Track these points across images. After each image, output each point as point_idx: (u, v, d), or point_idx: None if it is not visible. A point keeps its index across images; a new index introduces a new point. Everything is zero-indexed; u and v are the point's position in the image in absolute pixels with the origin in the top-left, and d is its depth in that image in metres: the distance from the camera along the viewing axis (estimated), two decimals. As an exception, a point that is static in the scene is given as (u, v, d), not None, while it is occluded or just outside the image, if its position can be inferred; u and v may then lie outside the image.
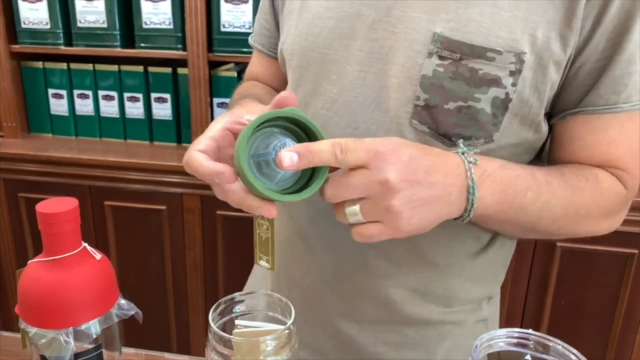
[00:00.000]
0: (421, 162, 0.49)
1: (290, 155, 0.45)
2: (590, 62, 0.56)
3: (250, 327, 0.45)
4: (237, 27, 1.51)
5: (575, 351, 0.39)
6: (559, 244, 1.43)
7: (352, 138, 0.48)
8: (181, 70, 1.61)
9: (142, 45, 1.59)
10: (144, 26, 1.57)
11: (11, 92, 1.66)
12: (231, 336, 0.42)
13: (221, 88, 1.59)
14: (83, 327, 0.45)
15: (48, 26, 1.61)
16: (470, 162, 0.52)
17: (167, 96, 1.64)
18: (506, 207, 0.55)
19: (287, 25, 0.67)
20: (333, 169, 0.49)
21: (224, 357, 0.42)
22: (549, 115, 0.61)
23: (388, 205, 0.47)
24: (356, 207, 0.48)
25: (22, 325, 0.46)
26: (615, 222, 0.65)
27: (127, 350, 0.70)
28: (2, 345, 0.72)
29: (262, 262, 0.51)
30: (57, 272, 0.45)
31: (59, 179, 1.60)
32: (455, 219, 0.54)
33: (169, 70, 1.62)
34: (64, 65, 1.67)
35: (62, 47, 1.63)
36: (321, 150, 0.46)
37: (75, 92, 1.69)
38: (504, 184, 0.54)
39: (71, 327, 0.45)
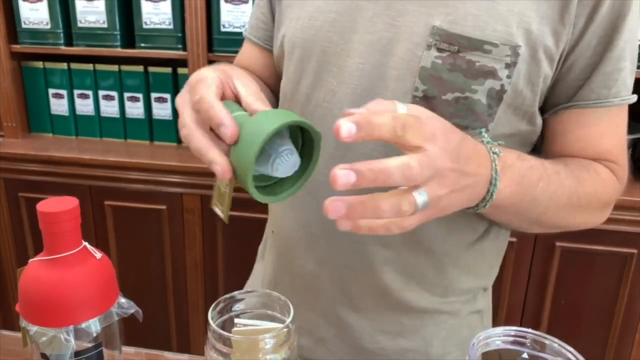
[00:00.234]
0: (462, 150, 0.47)
1: (349, 126, 0.41)
2: (583, 59, 0.59)
3: (249, 325, 0.45)
4: (237, 27, 1.51)
5: (570, 349, 0.40)
6: (558, 243, 1.44)
7: (409, 114, 0.44)
8: (181, 70, 1.61)
9: (143, 45, 1.60)
10: (144, 26, 1.58)
11: (12, 92, 1.67)
12: (230, 334, 0.42)
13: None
14: (83, 325, 0.46)
15: (48, 26, 1.62)
16: (494, 152, 0.52)
17: (167, 96, 1.65)
18: (520, 199, 0.56)
19: (287, 19, 0.68)
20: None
21: (224, 356, 0.42)
22: (542, 110, 0.63)
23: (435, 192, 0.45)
24: (424, 194, 0.44)
25: (23, 323, 0.46)
26: (606, 213, 0.68)
27: (127, 349, 0.71)
28: (2, 344, 0.73)
29: (217, 209, 0.52)
30: (57, 271, 0.45)
31: (59, 179, 1.60)
32: (468, 208, 0.54)
33: (169, 70, 1.62)
34: (64, 65, 1.67)
35: (63, 47, 1.63)
36: (381, 124, 0.41)
37: (76, 92, 1.70)
38: (520, 175, 0.55)
39: (71, 326, 0.45)
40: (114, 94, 1.67)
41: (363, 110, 0.45)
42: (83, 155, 1.58)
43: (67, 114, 1.72)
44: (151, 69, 1.63)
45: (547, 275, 1.48)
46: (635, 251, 1.41)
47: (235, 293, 0.48)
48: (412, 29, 0.58)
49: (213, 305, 0.45)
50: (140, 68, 1.64)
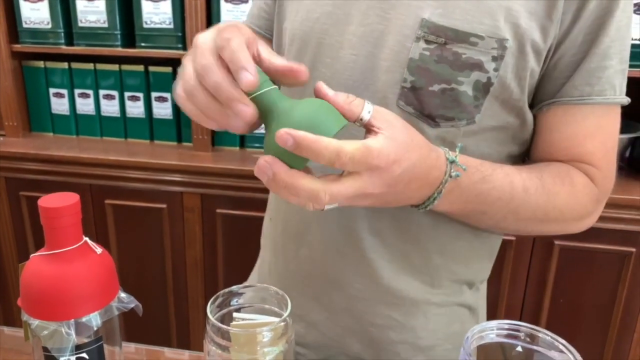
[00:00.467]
0: (408, 175, 0.50)
1: (290, 142, 0.44)
2: (568, 55, 0.59)
3: (248, 319, 0.46)
4: (237, 26, 1.52)
5: (562, 340, 0.40)
6: (556, 242, 1.44)
7: (362, 147, 0.46)
8: (182, 70, 1.62)
9: (143, 44, 1.60)
10: (145, 26, 1.58)
11: (12, 91, 1.67)
12: (229, 327, 0.43)
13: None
14: (84, 319, 0.46)
15: (49, 26, 1.62)
16: (451, 176, 0.55)
17: (168, 95, 1.65)
18: (467, 211, 0.61)
19: (289, 11, 0.70)
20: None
21: (222, 349, 0.43)
22: (531, 106, 0.64)
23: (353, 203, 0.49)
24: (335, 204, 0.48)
25: (25, 317, 0.47)
26: (589, 221, 0.68)
27: (127, 346, 0.71)
28: (3, 341, 0.73)
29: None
30: (58, 266, 0.46)
31: (60, 178, 1.61)
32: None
33: (169, 69, 1.63)
34: (65, 65, 1.68)
35: (63, 47, 1.64)
36: (321, 156, 0.44)
37: (76, 91, 1.70)
38: (473, 195, 0.58)
39: (72, 320, 0.46)
40: (115, 93, 1.68)
41: (332, 93, 0.48)
42: (84, 154, 1.58)
43: (67, 113, 1.72)
44: (151, 68, 1.64)
45: (546, 273, 1.48)
46: (633, 250, 1.41)
47: (234, 287, 0.48)
48: (402, 21, 0.59)
49: (212, 299, 0.46)
50: (140, 67, 1.64)
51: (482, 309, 0.79)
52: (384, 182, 0.48)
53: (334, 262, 0.70)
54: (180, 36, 1.56)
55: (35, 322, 0.46)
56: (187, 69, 0.50)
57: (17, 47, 1.65)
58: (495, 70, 0.58)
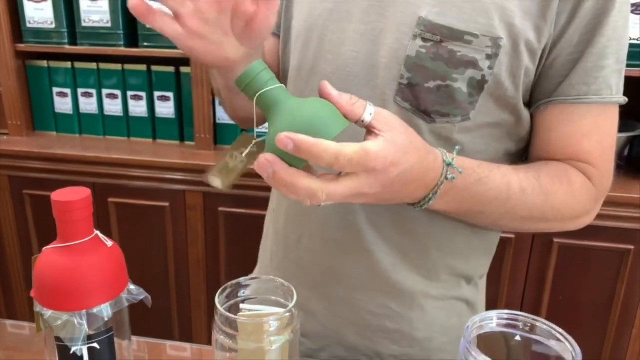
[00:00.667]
0: (404, 177, 0.51)
1: (290, 145, 0.45)
2: (565, 55, 0.60)
3: (254, 310, 0.47)
4: (239, 26, 1.53)
5: (559, 329, 0.42)
6: (556, 240, 1.45)
7: (361, 150, 0.47)
8: (184, 69, 1.63)
9: (146, 44, 1.62)
10: (148, 26, 1.59)
11: (16, 90, 1.69)
12: (237, 317, 0.44)
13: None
14: (95, 310, 0.48)
15: (53, 26, 1.64)
16: (447, 178, 0.56)
17: (170, 95, 1.67)
18: (463, 211, 0.62)
19: (295, 10, 0.72)
20: None
21: (230, 338, 0.44)
22: (529, 106, 0.65)
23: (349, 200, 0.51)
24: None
25: (38, 308, 0.48)
26: (587, 219, 0.69)
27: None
28: (7, 338, 0.74)
29: (213, 180, 0.52)
30: (70, 258, 0.47)
31: (63, 176, 1.62)
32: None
33: (172, 69, 1.64)
34: (68, 64, 1.69)
35: (67, 47, 1.65)
36: (320, 158, 0.46)
37: (80, 90, 1.72)
38: (470, 196, 0.59)
39: (84, 310, 0.47)
40: (118, 92, 1.69)
41: (336, 93, 0.50)
42: (87, 153, 1.60)
43: (71, 112, 1.74)
44: (154, 68, 1.65)
45: (545, 271, 1.49)
46: (632, 247, 1.42)
47: (241, 279, 0.50)
48: (401, 19, 0.61)
49: (220, 290, 0.47)
50: (143, 67, 1.65)
51: (481, 303, 0.81)
52: (380, 183, 0.50)
53: (333, 254, 0.71)
54: (183, 36, 1.57)
55: (48, 313, 0.47)
56: None
57: (21, 46, 1.66)
58: (490, 68, 0.59)
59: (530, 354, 0.44)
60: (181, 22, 0.55)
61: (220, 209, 1.57)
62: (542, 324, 0.43)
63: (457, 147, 0.59)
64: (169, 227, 1.62)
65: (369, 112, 0.50)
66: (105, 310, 0.48)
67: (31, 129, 1.78)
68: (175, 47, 1.74)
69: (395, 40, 0.61)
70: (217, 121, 1.65)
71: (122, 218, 1.63)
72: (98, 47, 1.64)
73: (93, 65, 1.68)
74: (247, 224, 1.57)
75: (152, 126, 1.71)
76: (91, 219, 0.49)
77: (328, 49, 0.66)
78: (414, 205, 0.59)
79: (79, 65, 1.69)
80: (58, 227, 0.48)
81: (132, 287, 0.52)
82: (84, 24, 1.63)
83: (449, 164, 0.56)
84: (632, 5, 1.36)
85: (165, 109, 1.68)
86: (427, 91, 0.61)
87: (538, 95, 0.64)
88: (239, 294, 0.49)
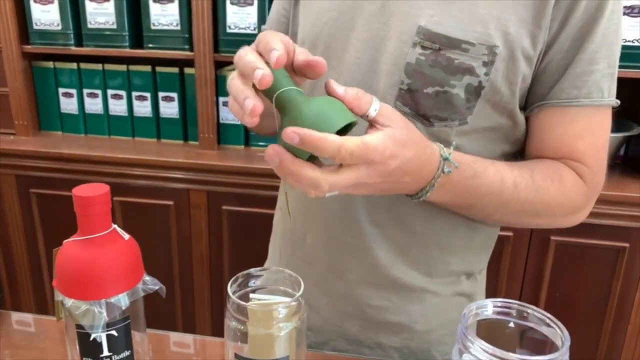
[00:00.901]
0: (402, 169, 0.54)
1: (296, 139, 0.48)
2: (556, 60, 0.63)
3: (263, 299, 0.50)
4: (242, 28, 1.56)
5: (549, 315, 0.44)
6: (553, 237, 1.48)
7: (361, 144, 0.50)
8: (188, 70, 1.66)
9: (150, 45, 1.64)
10: (152, 27, 1.62)
11: (23, 91, 1.71)
12: (248, 304, 0.47)
13: (226, 87, 1.64)
14: (113, 299, 0.51)
15: (59, 27, 1.66)
16: (444, 172, 0.59)
17: (174, 95, 1.69)
18: (458, 203, 0.65)
19: (302, 16, 0.75)
20: None
21: (242, 324, 0.47)
22: (524, 109, 0.68)
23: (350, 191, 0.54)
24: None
25: (60, 297, 0.51)
26: (579, 216, 0.71)
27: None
28: (12, 331, 0.76)
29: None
30: (90, 250, 0.50)
31: (69, 175, 1.64)
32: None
33: (176, 70, 1.67)
34: (74, 65, 1.72)
35: (73, 48, 1.68)
36: (324, 150, 0.48)
37: (85, 91, 1.74)
38: (464, 190, 0.62)
39: (103, 299, 0.50)
40: (122, 93, 1.72)
41: (342, 90, 0.52)
42: (92, 152, 1.62)
43: (76, 112, 1.76)
44: (159, 68, 1.68)
45: (543, 268, 1.51)
46: (627, 245, 1.45)
47: (252, 270, 0.53)
48: (402, 28, 0.64)
49: (232, 279, 0.50)
50: (148, 68, 1.68)
51: (481, 295, 0.83)
52: (378, 174, 0.52)
53: (335, 251, 0.74)
54: (187, 37, 1.60)
55: (69, 302, 0.50)
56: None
57: (28, 47, 1.69)
58: (486, 74, 0.62)
59: (523, 339, 0.47)
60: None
61: (224, 207, 1.60)
62: (534, 311, 0.46)
63: (453, 143, 0.62)
64: (173, 225, 1.64)
65: (374, 108, 0.52)
66: (122, 300, 0.51)
67: (37, 128, 1.80)
68: (179, 49, 1.77)
69: (396, 48, 0.64)
70: (221, 121, 1.67)
71: (127, 216, 1.66)
72: (103, 48, 1.66)
73: (98, 66, 1.71)
74: (250, 222, 1.59)
75: (157, 126, 1.74)
76: (109, 214, 0.52)
77: (333, 55, 0.68)
78: (411, 196, 0.62)
79: (84, 66, 1.72)
80: (78, 221, 0.51)
81: (147, 278, 0.54)
82: (89, 26, 1.65)
83: (445, 159, 0.59)
84: (627, 7, 1.38)
85: (170, 109, 1.71)
86: (426, 96, 0.63)
87: (532, 98, 0.66)
88: (249, 284, 0.52)
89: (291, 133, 0.48)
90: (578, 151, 0.66)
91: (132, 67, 1.69)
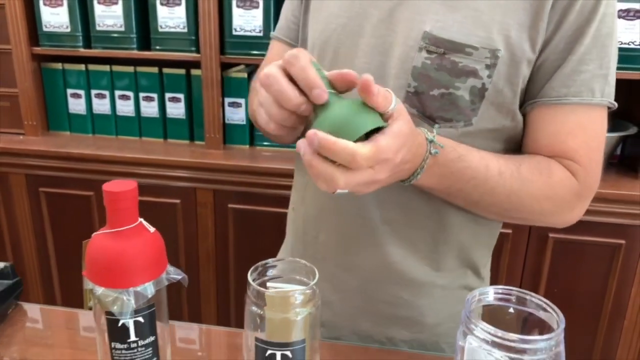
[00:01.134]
0: (404, 158, 0.57)
1: (315, 144, 0.51)
2: (550, 60, 0.66)
3: (280, 287, 0.54)
4: (248, 30, 1.59)
5: (546, 300, 0.48)
6: (551, 235, 1.50)
7: (374, 148, 0.51)
8: (194, 72, 1.68)
9: (158, 47, 1.67)
10: (160, 29, 1.65)
11: (32, 92, 1.74)
12: (267, 290, 0.51)
13: (232, 88, 1.67)
14: (140, 288, 0.54)
15: (68, 30, 1.69)
16: (430, 153, 0.61)
17: (181, 96, 1.72)
18: (445, 186, 0.66)
19: (312, 22, 0.77)
20: None
21: (261, 309, 0.51)
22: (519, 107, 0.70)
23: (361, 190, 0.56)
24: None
25: (90, 286, 0.54)
26: (572, 216, 0.72)
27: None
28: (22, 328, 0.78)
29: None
30: (119, 242, 0.54)
31: (77, 175, 1.67)
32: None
33: (182, 71, 1.70)
34: (82, 67, 1.75)
35: (81, 50, 1.71)
36: (338, 157, 0.51)
37: (93, 92, 1.77)
38: (449, 172, 0.64)
39: (131, 288, 0.54)
40: (130, 94, 1.75)
41: (375, 90, 0.54)
42: (100, 152, 1.65)
43: (84, 113, 1.79)
44: (165, 70, 1.71)
45: (541, 265, 1.54)
46: (623, 242, 1.48)
47: (269, 260, 0.56)
48: (408, 33, 0.67)
49: (252, 269, 0.54)
50: (155, 69, 1.71)
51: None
52: (389, 169, 0.55)
53: (347, 248, 0.77)
54: (194, 40, 1.63)
55: (99, 290, 0.53)
56: (257, 85, 0.58)
57: (37, 49, 1.72)
58: (489, 77, 0.65)
59: (523, 324, 0.51)
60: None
61: (230, 205, 1.63)
62: (532, 297, 0.50)
63: (436, 125, 0.65)
64: (180, 223, 1.67)
65: (393, 105, 0.54)
66: (148, 288, 0.55)
67: (46, 129, 1.83)
68: (186, 51, 1.80)
69: (402, 53, 0.67)
70: (226, 121, 1.71)
71: (135, 214, 1.68)
72: (111, 50, 1.69)
73: (106, 68, 1.74)
74: (255, 220, 1.62)
75: (163, 126, 1.77)
76: (137, 208, 0.55)
77: (342, 60, 0.71)
78: (403, 181, 0.63)
79: (92, 67, 1.75)
80: (108, 214, 0.54)
81: (170, 268, 0.58)
82: (98, 28, 1.68)
83: (431, 141, 0.61)
84: (627, 10, 1.41)
85: (176, 109, 1.74)
86: (432, 98, 0.66)
87: (526, 96, 0.69)
88: (267, 273, 0.56)
89: (312, 135, 0.50)
90: (570, 149, 0.68)
91: (140, 69, 1.72)
